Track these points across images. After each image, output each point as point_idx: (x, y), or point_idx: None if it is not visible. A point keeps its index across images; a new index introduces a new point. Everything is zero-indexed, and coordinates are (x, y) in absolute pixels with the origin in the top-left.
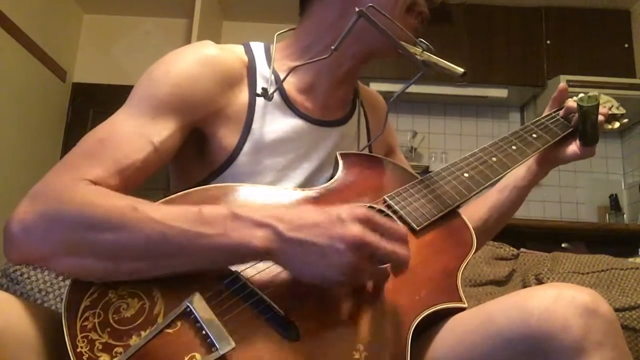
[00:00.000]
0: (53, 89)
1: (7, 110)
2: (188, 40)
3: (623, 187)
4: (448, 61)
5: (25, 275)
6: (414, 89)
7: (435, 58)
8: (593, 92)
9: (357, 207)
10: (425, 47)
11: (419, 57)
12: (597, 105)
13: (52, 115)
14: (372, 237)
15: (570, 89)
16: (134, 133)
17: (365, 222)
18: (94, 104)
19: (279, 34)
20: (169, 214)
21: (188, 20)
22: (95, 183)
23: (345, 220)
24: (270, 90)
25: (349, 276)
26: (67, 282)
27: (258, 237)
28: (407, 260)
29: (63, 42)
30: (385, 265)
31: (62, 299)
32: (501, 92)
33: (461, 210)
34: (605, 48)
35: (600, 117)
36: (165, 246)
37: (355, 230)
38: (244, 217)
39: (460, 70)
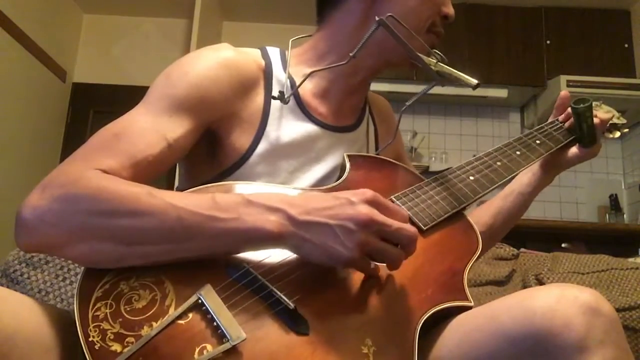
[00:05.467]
0: (53, 89)
1: (7, 110)
2: (188, 40)
3: (623, 187)
4: (449, 66)
5: (25, 275)
6: (414, 89)
7: (448, 69)
8: (596, 102)
9: (364, 190)
10: (440, 58)
11: (433, 68)
12: (590, 106)
13: (52, 115)
14: (381, 216)
15: (570, 89)
16: (149, 129)
17: (373, 203)
18: (94, 104)
19: (293, 40)
20: (184, 200)
21: (188, 21)
22: (107, 173)
23: (355, 202)
24: (287, 95)
25: (360, 254)
26: (67, 282)
27: (271, 222)
28: (416, 237)
29: (63, 42)
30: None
31: (62, 299)
32: (501, 92)
33: (467, 216)
34: (605, 48)
35: (596, 120)
36: (180, 230)
37: (365, 210)
38: (257, 202)
39: (474, 81)
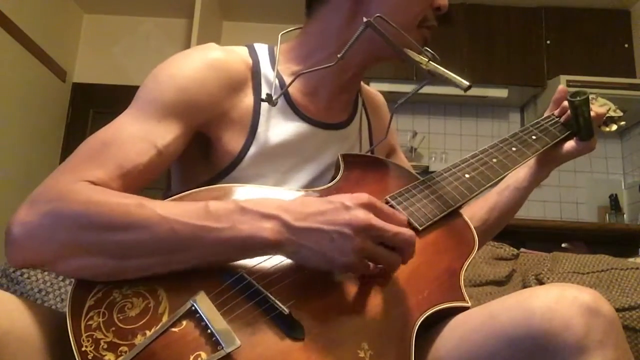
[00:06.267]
0: (53, 89)
1: (7, 110)
2: (188, 40)
3: (623, 187)
4: (448, 66)
5: (25, 275)
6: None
7: (441, 69)
8: (592, 95)
9: (360, 194)
10: (431, 56)
11: (424, 67)
12: (587, 99)
13: (52, 115)
14: (378, 221)
15: (570, 89)
16: (138, 136)
17: (370, 207)
18: (94, 104)
19: (283, 34)
20: (176, 210)
21: (188, 21)
22: (96, 185)
23: (350, 206)
24: (275, 96)
25: (357, 259)
26: (67, 282)
27: (266, 229)
28: (413, 242)
29: (63, 42)
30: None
31: (62, 299)
32: (501, 92)
33: (462, 211)
34: (605, 48)
35: (592, 113)
36: (174, 242)
37: (361, 214)
38: (251, 210)
39: (466, 83)
